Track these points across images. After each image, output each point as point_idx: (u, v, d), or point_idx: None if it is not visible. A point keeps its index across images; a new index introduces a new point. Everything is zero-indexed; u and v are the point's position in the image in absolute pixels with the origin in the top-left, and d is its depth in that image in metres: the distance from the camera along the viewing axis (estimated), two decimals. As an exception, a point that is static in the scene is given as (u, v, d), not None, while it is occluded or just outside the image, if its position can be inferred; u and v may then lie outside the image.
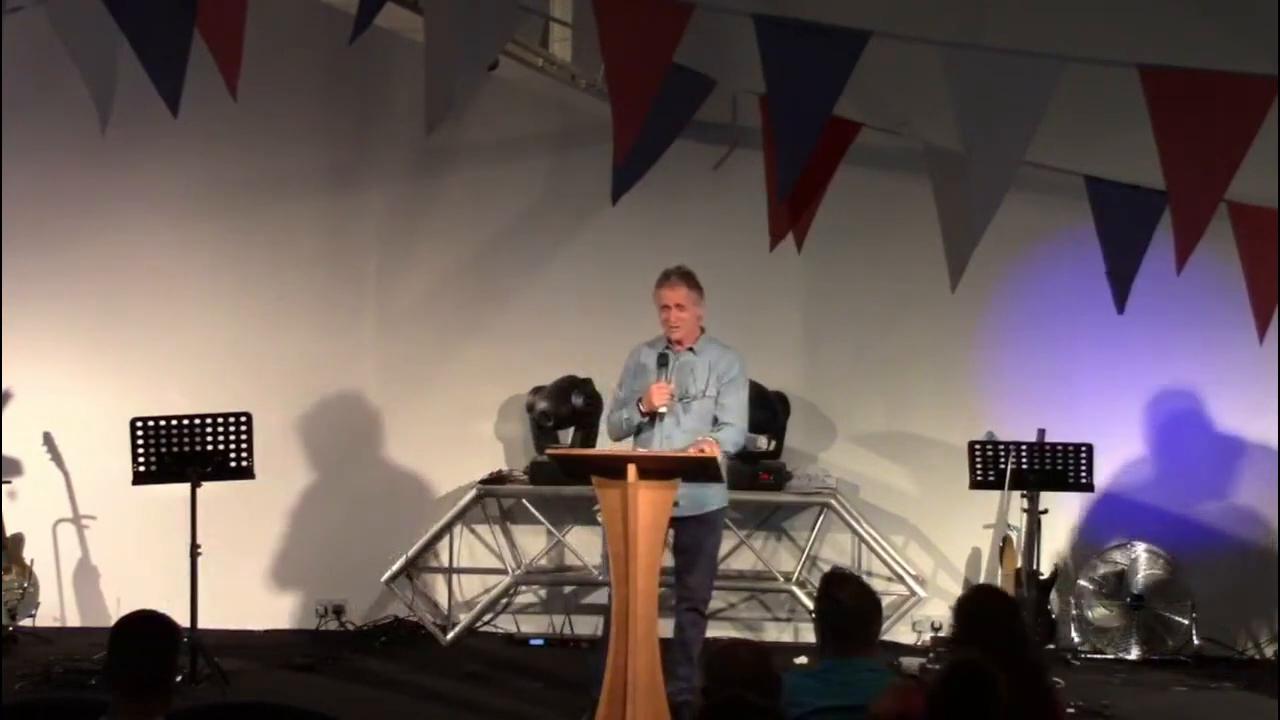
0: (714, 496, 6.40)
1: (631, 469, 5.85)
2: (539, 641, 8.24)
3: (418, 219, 8.53)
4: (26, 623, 8.13)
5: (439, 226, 8.51)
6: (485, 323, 8.47)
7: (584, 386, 8.02)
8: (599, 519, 6.26)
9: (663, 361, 6.39)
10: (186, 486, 7.22)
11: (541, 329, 8.36)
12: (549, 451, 7.05)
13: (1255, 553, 8.03)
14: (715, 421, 6.42)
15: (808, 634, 7.95)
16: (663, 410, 6.31)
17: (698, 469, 6.19)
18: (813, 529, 8.17)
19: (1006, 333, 8.16)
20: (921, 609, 8.07)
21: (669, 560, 6.45)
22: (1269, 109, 4.12)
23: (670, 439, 6.33)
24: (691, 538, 6.37)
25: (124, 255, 8.50)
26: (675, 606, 6.47)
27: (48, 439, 8.44)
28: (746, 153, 7.29)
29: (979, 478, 7.58)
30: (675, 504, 6.06)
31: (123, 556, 8.41)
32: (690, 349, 6.48)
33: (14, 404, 8.40)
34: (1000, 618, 4.32)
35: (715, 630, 7.86)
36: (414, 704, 7.08)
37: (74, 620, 8.45)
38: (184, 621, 6.73)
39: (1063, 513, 7.93)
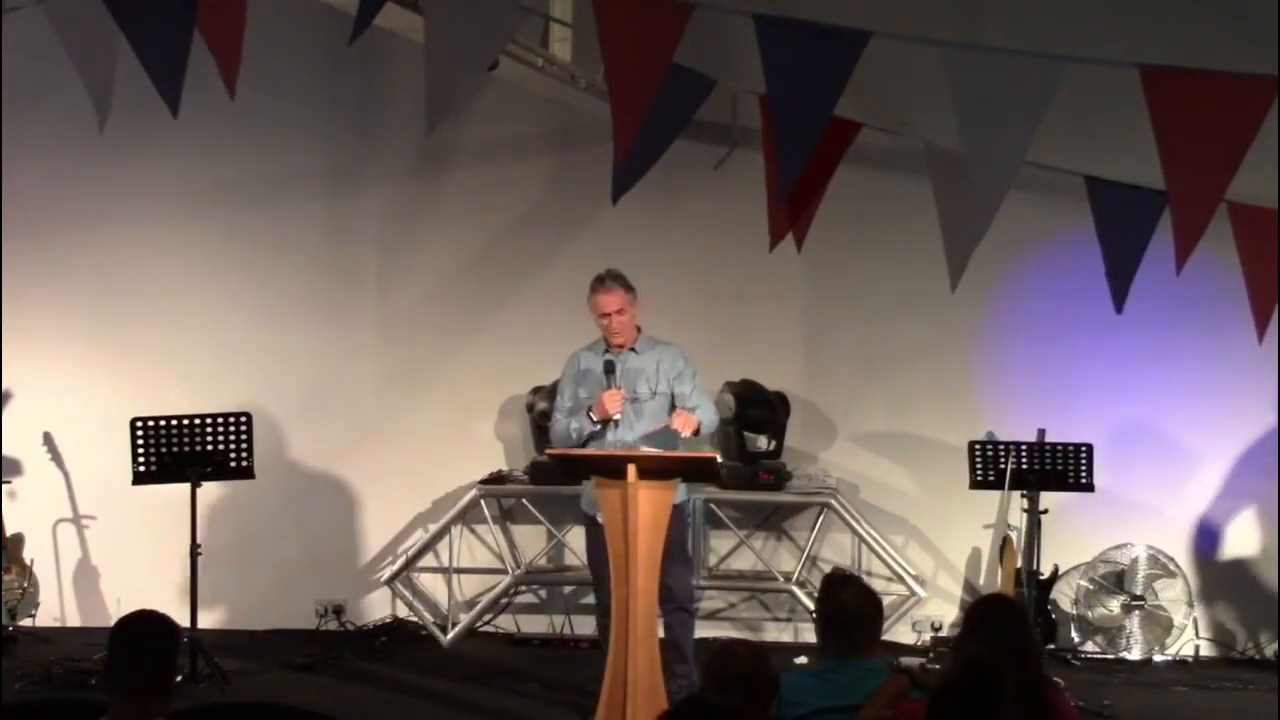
0: (678, 490, 6.37)
1: (631, 469, 5.85)
2: (539, 641, 8.24)
3: (418, 219, 8.53)
4: (26, 623, 8.12)
5: (439, 226, 8.51)
6: (485, 323, 8.47)
7: (584, 386, 8.01)
8: (599, 519, 6.26)
9: (610, 368, 6.35)
10: (186, 486, 7.22)
11: (541, 329, 8.34)
12: (549, 451, 7.04)
13: (1255, 553, 8.04)
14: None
15: (808, 634, 7.96)
16: (617, 417, 6.30)
17: (697, 469, 6.19)
18: (813, 529, 8.17)
19: (1006, 333, 8.16)
20: (921, 609, 8.07)
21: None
22: (1269, 109, 4.12)
23: (624, 443, 6.31)
24: (667, 534, 6.32)
25: (124, 255, 8.50)
26: (661, 607, 6.44)
27: (48, 439, 8.44)
28: (746, 153, 7.29)
29: (979, 478, 7.58)
30: None
31: (123, 556, 8.41)
32: (632, 349, 6.47)
33: (14, 404, 8.40)
34: (1010, 628, 4.32)
35: (715, 630, 7.88)
36: (414, 704, 7.08)
37: (74, 620, 8.45)
38: (184, 621, 6.73)
39: (1063, 513, 7.93)
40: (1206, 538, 8.07)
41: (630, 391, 6.38)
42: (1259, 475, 7.92)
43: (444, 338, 8.52)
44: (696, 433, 6.36)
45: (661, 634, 6.30)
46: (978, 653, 3.93)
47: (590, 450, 6.31)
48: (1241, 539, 8.07)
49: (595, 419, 6.33)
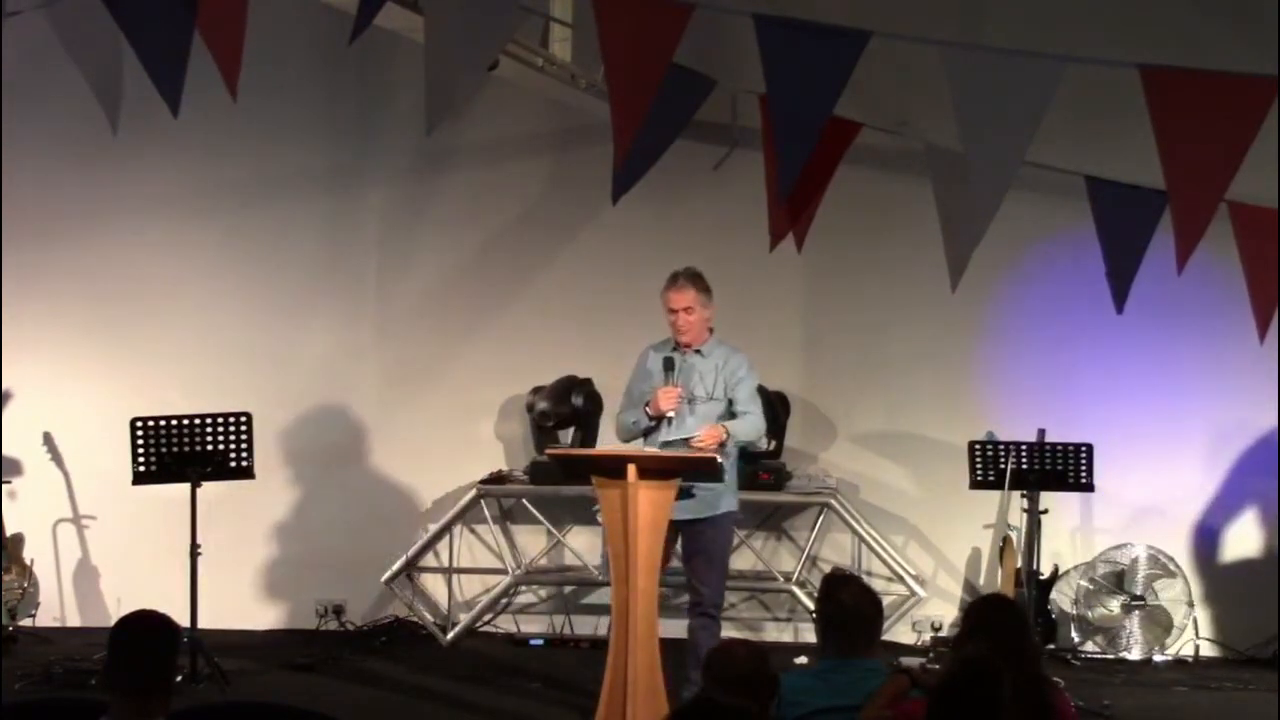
0: (728, 497, 6.40)
1: (631, 469, 5.86)
2: (539, 641, 8.24)
3: (418, 219, 8.53)
4: (26, 623, 8.12)
5: (439, 227, 8.51)
6: (485, 323, 8.47)
7: (584, 386, 8.01)
8: (599, 519, 6.26)
9: (669, 365, 6.38)
10: (186, 486, 7.22)
11: (541, 329, 8.36)
12: (549, 451, 7.05)
13: (1256, 553, 8.04)
14: (733, 417, 6.41)
15: (808, 634, 7.96)
16: (671, 415, 6.30)
17: (698, 469, 6.19)
18: (813, 529, 8.16)
19: (1006, 333, 8.16)
20: (921, 609, 8.07)
21: (674, 560, 6.45)
22: (1269, 109, 4.12)
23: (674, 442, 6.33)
24: (708, 539, 6.36)
25: (124, 255, 8.51)
26: (688, 611, 6.45)
27: (48, 439, 8.44)
28: (746, 153, 7.29)
29: (979, 478, 7.57)
30: (690, 500, 6.08)
31: (123, 556, 8.41)
32: (698, 350, 6.46)
33: (14, 404, 8.40)
34: (1008, 628, 4.32)
35: (715, 630, 7.88)
36: (414, 704, 7.07)
37: (74, 620, 8.45)
38: (184, 621, 6.73)
39: (1063, 513, 7.92)
40: (1206, 538, 8.07)
41: (686, 391, 6.38)
42: (1259, 475, 7.92)
43: (444, 338, 8.51)
44: (723, 445, 6.30)
45: (670, 633, 6.30)
46: (976, 652, 3.93)
47: (591, 450, 6.32)
48: (1242, 539, 8.07)
49: (650, 415, 6.34)
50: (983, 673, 3.71)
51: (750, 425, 6.41)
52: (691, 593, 6.44)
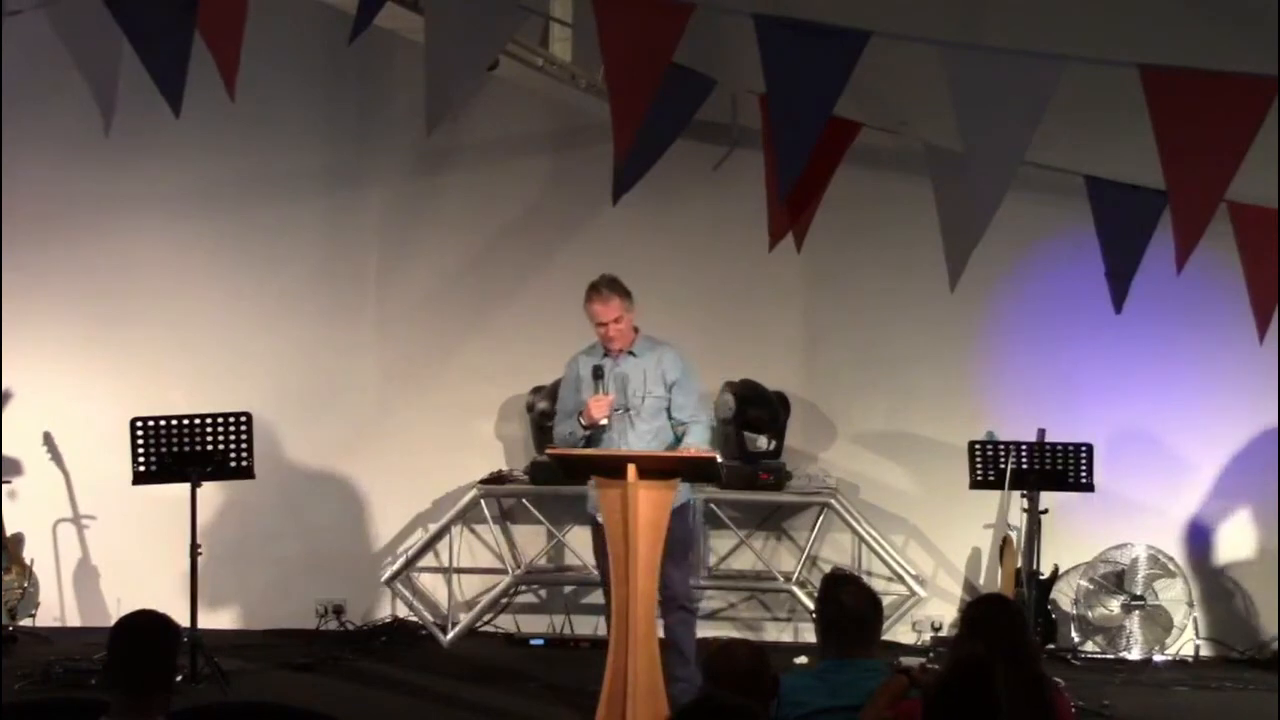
0: (682, 490, 6.38)
1: (631, 469, 5.85)
2: (539, 641, 8.24)
3: (418, 219, 8.53)
4: (26, 623, 8.13)
5: (439, 226, 8.52)
6: (485, 323, 8.47)
7: (584, 386, 8.01)
8: (599, 519, 6.26)
9: (597, 373, 6.37)
10: (186, 486, 7.22)
11: (541, 329, 8.34)
12: (549, 451, 7.05)
13: (1253, 553, 8.04)
14: (675, 423, 6.42)
15: (808, 634, 7.96)
16: (603, 422, 6.30)
17: (698, 469, 6.19)
18: (813, 529, 8.17)
19: (1006, 333, 8.17)
20: (921, 609, 8.08)
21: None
22: (1269, 109, 4.12)
23: (626, 443, 6.33)
24: (677, 534, 6.32)
25: (124, 255, 8.51)
26: (662, 608, 6.44)
27: (48, 439, 8.44)
28: (746, 153, 7.29)
29: (979, 478, 7.58)
30: None
31: (123, 556, 8.41)
32: (630, 352, 6.47)
33: (14, 404, 8.40)
34: (1006, 628, 4.33)
35: (715, 630, 7.89)
36: (414, 704, 7.08)
37: (74, 620, 8.45)
38: (184, 621, 6.73)
39: (1063, 513, 7.92)
40: (1206, 538, 8.07)
41: (622, 395, 6.38)
42: (1256, 474, 7.92)
43: (444, 338, 8.52)
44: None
45: (661, 635, 6.30)
46: (972, 652, 3.93)
47: (592, 450, 6.32)
48: (1242, 539, 8.07)
49: (584, 424, 6.34)
50: (979, 673, 3.71)
51: (700, 437, 6.40)
52: (661, 588, 6.41)
